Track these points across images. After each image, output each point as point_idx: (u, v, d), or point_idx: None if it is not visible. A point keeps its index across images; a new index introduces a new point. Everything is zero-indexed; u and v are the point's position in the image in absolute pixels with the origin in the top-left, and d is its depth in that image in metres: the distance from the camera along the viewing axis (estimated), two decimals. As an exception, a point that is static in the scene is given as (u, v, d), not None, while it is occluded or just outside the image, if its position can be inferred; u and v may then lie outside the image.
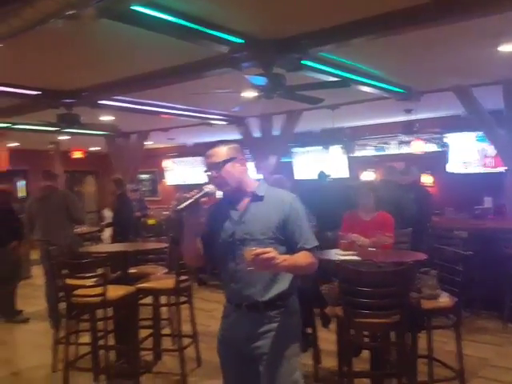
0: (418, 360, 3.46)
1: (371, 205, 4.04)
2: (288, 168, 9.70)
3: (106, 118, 7.79)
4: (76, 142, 11.30)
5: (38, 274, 7.29)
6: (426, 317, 3.39)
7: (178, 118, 7.62)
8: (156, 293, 4.15)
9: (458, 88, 6.00)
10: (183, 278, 3.93)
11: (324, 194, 6.49)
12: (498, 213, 7.07)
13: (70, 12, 2.36)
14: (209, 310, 5.32)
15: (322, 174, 7.32)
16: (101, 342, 3.89)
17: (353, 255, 3.50)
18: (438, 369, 3.51)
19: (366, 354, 3.55)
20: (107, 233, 7.63)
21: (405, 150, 8.88)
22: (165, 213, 9.59)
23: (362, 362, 3.56)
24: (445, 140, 8.47)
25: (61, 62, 4.58)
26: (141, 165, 10.64)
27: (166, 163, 13.11)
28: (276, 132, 8.21)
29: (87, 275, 3.75)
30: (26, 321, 5.82)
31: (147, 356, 4.32)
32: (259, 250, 1.84)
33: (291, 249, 2.06)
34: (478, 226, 5.95)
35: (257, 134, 8.24)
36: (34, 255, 7.21)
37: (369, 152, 9.55)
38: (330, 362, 3.85)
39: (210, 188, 2.07)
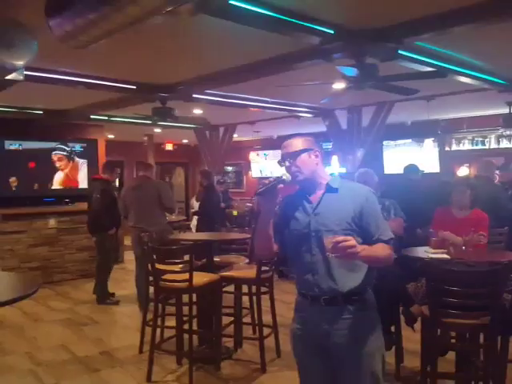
0: (507, 365, 3.23)
1: (467, 202, 3.85)
2: (377, 162, 9.42)
3: (197, 111, 8.03)
4: (167, 135, 11.77)
5: (129, 259, 7.75)
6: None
7: (265, 110, 7.68)
8: (238, 282, 4.22)
9: None
10: (264, 268, 3.97)
11: (414, 189, 6.21)
12: None
13: (170, 8, 2.42)
14: (289, 302, 5.26)
15: (411, 168, 7.00)
16: (185, 327, 4.03)
17: (442, 253, 3.35)
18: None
19: (450, 355, 3.41)
20: (195, 221, 7.91)
21: (505, 144, 8.33)
22: (248, 204, 9.74)
23: (446, 363, 3.42)
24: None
25: (157, 57, 4.75)
26: (227, 157, 10.85)
27: (253, 156, 13.28)
28: (365, 124, 8.01)
29: (175, 261, 3.90)
30: (116, 303, 6.15)
31: (228, 343, 4.41)
32: (340, 238, 1.82)
33: (366, 241, 2.02)
34: None
35: (344, 126, 8.08)
36: (126, 241, 7.66)
37: (464, 146, 9.03)
38: (412, 362, 3.74)
39: (286, 176, 2.10)
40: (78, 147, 8.70)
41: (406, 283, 3.69)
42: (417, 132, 9.30)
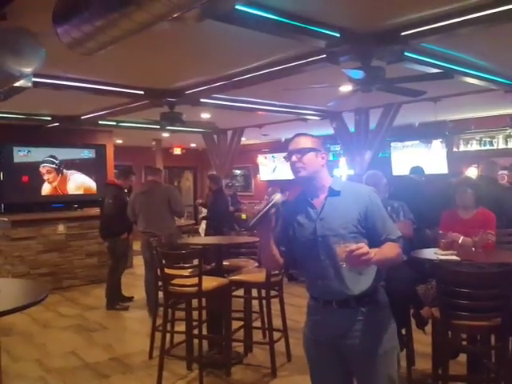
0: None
1: (470, 202, 3.83)
2: (386, 164, 9.38)
3: (205, 115, 8.06)
4: (175, 139, 11.81)
5: (138, 263, 7.76)
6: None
7: (272, 114, 7.69)
8: (247, 285, 4.21)
9: None
10: (274, 272, 3.95)
11: (421, 190, 6.19)
12: None
13: (177, 14, 2.43)
14: (299, 306, 5.27)
15: (416, 170, 6.98)
16: (195, 332, 4.04)
17: (452, 255, 3.33)
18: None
19: (461, 357, 3.39)
20: (204, 225, 7.92)
21: (513, 144, 8.25)
22: (257, 207, 9.72)
23: (458, 365, 3.41)
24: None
25: (164, 62, 4.78)
26: (235, 160, 10.87)
27: (261, 159, 13.29)
28: (372, 126, 7.99)
29: (184, 266, 3.90)
30: (126, 308, 6.15)
31: (238, 347, 4.40)
32: (353, 247, 1.80)
33: (373, 241, 2.00)
34: None
35: (352, 128, 8.07)
36: (136, 246, 7.68)
37: (472, 147, 8.97)
38: (423, 365, 3.70)
39: (277, 198, 2.00)
40: (86, 153, 8.75)
41: (415, 285, 3.67)
42: (424, 133, 9.26)
